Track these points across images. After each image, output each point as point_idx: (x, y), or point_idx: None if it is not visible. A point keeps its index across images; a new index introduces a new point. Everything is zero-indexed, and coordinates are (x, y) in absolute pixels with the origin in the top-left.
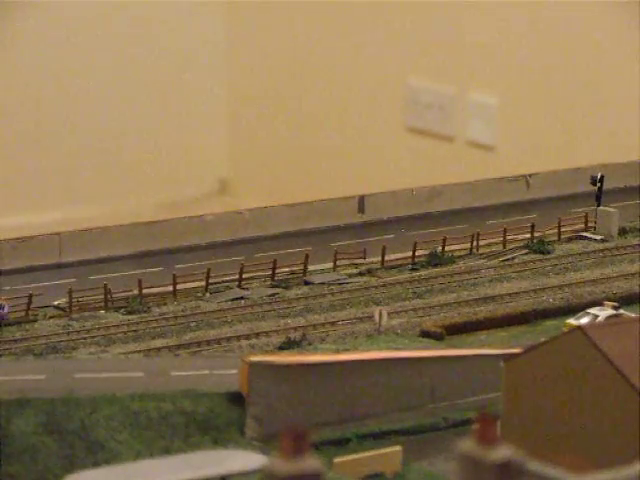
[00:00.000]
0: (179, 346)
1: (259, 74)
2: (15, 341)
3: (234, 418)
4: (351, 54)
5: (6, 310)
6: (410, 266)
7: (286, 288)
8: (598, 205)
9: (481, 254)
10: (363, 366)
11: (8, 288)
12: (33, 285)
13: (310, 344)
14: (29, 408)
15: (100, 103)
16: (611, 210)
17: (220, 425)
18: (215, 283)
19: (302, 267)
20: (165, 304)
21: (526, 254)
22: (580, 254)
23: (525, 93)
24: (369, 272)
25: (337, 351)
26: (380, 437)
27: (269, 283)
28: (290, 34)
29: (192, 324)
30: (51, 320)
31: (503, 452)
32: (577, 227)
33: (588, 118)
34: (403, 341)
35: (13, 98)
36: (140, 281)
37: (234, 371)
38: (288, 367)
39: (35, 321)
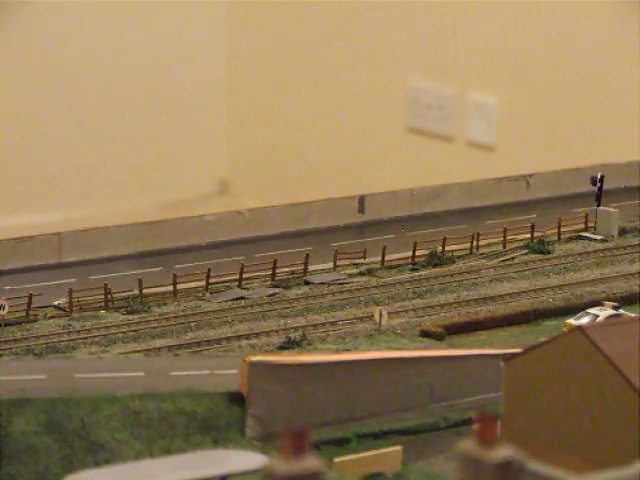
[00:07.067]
0: (179, 346)
1: (259, 74)
2: (15, 341)
3: (234, 418)
4: (351, 54)
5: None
6: (410, 266)
7: (286, 288)
8: (598, 205)
9: (481, 254)
10: (363, 366)
11: (8, 288)
12: (33, 285)
13: (310, 344)
14: (29, 408)
15: (100, 103)
16: (611, 210)
17: (220, 425)
18: (215, 283)
19: (302, 267)
20: (165, 304)
21: (526, 254)
22: (580, 254)
23: (525, 93)
24: (369, 272)
25: (337, 351)
26: (380, 437)
27: (269, 283)
28: (290, 34)
29: (192, 324)
30: (51, 320)
31: (503, 452)
32: (577, 227)
33: (588, 118)
34: (403, 341)
35: (13, 98)
36: (140, 281)
37: (234, 371)
38: (288, 367)
39: (35, 321)
